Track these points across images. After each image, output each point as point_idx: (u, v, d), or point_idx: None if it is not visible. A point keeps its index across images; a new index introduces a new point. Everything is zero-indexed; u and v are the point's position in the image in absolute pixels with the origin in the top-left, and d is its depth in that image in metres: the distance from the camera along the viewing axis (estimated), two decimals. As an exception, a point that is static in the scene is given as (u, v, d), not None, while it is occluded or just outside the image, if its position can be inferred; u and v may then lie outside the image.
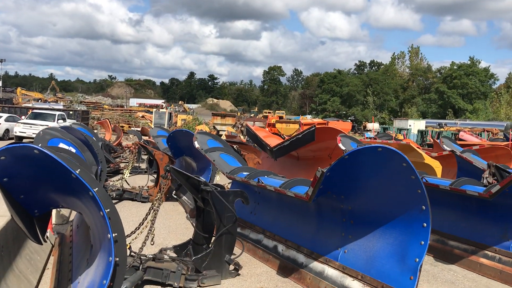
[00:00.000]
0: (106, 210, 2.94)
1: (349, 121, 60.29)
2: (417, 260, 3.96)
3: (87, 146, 7.27)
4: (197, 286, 4.84)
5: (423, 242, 3.98)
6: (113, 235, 2.97)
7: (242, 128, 36.56)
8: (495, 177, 6.97)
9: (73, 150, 6.17)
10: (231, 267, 5.28)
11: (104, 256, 3.17)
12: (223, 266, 5.18)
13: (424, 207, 3.96)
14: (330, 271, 4.83)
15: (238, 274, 5.31)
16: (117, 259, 3.01)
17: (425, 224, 3.97)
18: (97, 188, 2.94)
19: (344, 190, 4.73)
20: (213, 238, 5.27)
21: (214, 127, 40.08)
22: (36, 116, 25.62)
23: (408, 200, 4.05)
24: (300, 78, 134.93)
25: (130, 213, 8.15)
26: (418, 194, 3.95)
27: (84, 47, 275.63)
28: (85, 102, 72.48)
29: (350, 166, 4.26)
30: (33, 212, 3.66)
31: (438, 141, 12.37)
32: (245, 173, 6.50)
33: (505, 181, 5.26)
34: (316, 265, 5.04)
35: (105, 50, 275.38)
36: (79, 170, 2.90)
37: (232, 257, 5.26)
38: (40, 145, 3.25)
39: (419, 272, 3.93)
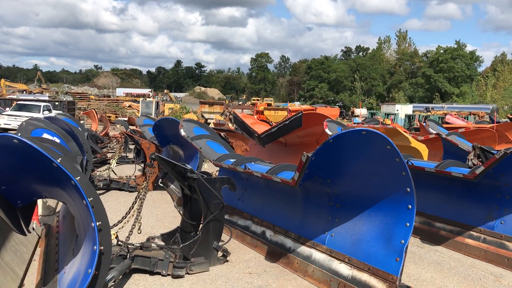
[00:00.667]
0: (89, 199, 2.91)
1: (337, 107, 60.46)
2: (403, 241, 4.00)
3: (72, 136, 7.19)
4: (186, 273, 4.85)
5: (408, 224, 4.01)
6: (97, 223, 2.95)
7: (230, 116, 36.45)
8: (480, 159, 7.04)
9: (57, 140, 6.09)
10: (220, 253, 5.29)
11: (88, 245, 3.15)
12: (211, 253, 5.19)
13: (408, 189, 3.99)
14: (317, 255, 4.86)
15: (227, 261, 5.32)
16: (102, 247, 2.99)
17: (410, 206, 4.00)
18: (79, 177, 2.91)
19: (330, 174, 4.74)
20: (201, 225, 5.27)
21: (202, 115, 39.92)
22: (20, 108, 25.29)
23: (393, 183, 4.07)
24: (287, 65, 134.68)
25: (117, 203, 8.11)
26: (402, 176, 3.97)
27: (68, 37, 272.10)
28: (71, 93, 71.58)
29: (335, 150, 4.27)
30: (16, 203, 3.62)
31: (424, 124, 12.46)
32: (232, 160, 6.49)
33: (489, 162, 5.32)
34: (304, 249, 5.07)
35: (89, 40, 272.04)
36: (60, 159, 2.86)
37: (220, 244, 5.27)
38: (20, 134, 3.20)
39: (404, 254, 3.97)
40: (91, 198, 2.94)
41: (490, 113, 37.29)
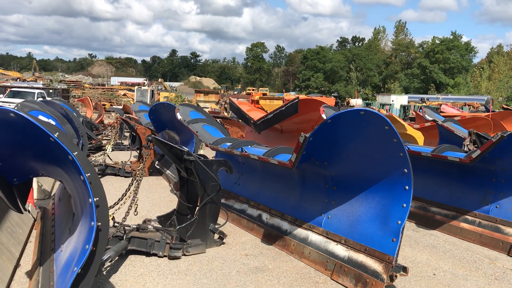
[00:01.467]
0: (86, 175, 2.88)
1: (333, 97, 60.40)
2: (399, 222, 4.01)
3: (67, 120, 7.15)
4: (182, 254, 4.85)
5: (405, 205, 4.02)
6: (95, 199, 2.93)
7: (226, 105, 36.33)
8: (476, 145, 7.08)
9: (53, 123, 6.05)
10: (216, 236, 5.29)
11: (86, 221, 3.13)
12: (208, 235, 5.19)
13: (406, 170, 3.99)
14: (314, 237, 4.87)
15: (223, 243, 5.33)
16: (99, 223, 2.97)
17: (407, 187, 4.01)
18: (76, 152, 2.88)
19: (327, 156, 4.74)
20: (197, 207, 5.26)
21: (197, 104, 39.77)
22: (14, 95, 25.11)
23: (390, 164, 4.07)
24: (283, 55, 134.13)
25: (113, 188, 8.09)
26: (400, 157, 3.97)
27: (62, 25, 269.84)
28: (65, 81, 71.08)
29: (333, 131, 4.26)
30: (12, 180, 3.59)
31: (420, 112, 12.48)
32: (228, 143, 6.47)
33: (485, 146, 5.33)
34: (300, 231, 5.08)
35: (84, 28, 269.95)
36: (57, 133, 2.83)
37: (217, 226, 5.27)
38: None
39: (401, 234, 3.98)
40: (89, 174, 2.91)
41: (485, 104, 37.42)
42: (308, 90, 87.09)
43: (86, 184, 2.90)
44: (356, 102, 49.16)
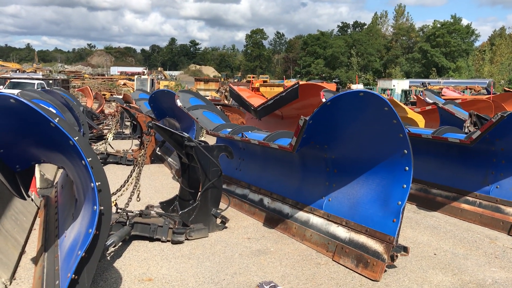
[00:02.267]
0: (88, 159, 2.91)
1: (334, 82, 60.20)
2: (400, 203, 4.04)
3: (68, 108, 7.16)
4: (185, 239, 4.89)
5: (405, 186, 4.05)
6: (97, 184, 2.96)
7: (226, 93, 36.27)
8: (477, 126, 7.07)
9: (53, 111, 6.06)
10: (218, 220, 5.34)
11: (88, 206, 3.16)
12: (210, 220, 5.23)
13: (406, 151, 4.01)
14: (315, 220, 4.91)
15: (225, 227, 5.37)
16: (102, 207, 3.01)
17: (407, 168, 4.03)
18: (77, 137, 2.90)
19: (327, 139, 4.75)
20: (199, 193, 5.29)
21: (197, 92, 39.66)
22: (14, 86, 25.08)
23: (390, 145, 4.09)
24: (283, 42, 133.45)
25: (115, 175, 8.13)
26: (400, 138, 3.99)
27: (60, 15, 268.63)
28: (64, 72, 70.90)
29: (333, 113, 4.27)
30: (15, 167, 3.62)
31: (421, 96, 12.46)
32: (228, 129, 6.49)
33: (485, 126, 5.34)
34: (301, 214, 5.12)
35: (81, 18, 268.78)
36: (57, 119, 2.85)
37: (219, 211, 5.31)
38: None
39: (401, 215, 4.01)
40: (90, 159, 2.93)
41: (486, 87, 37.29)
42: (309, 77, 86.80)
43: (88, 169, 2.93)
44: (357, 87, 49.00)
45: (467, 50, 79.88)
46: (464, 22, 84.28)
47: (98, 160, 3.06)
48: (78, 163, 3.10)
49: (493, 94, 16.15)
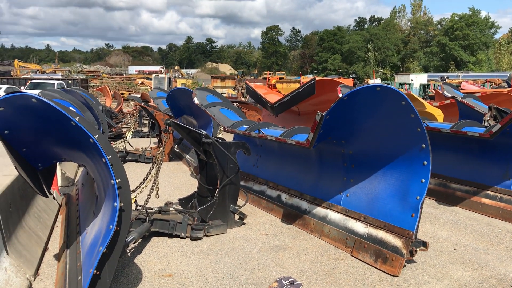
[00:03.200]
0: (108, 157, 2.96)
1: (351, 78, 59.77)
2: (418, 198, 4.01)
3: (87, 108, 7.28)
4: (204, 235, 4.94)
5: (423, 180, 4.02)
6: (117, 181, 3.01)
7: (243, 91, 36.33)
8: (497, 120, 6.96)
9: (74, 110, 6.17)
10: (236, 217, 5.37)
11: (109, 203, 3.22)
12: (228, 216, 5.27)
13: (424, 146, 3.98)
14: (333, 215, 4.91)
15: (244, 223, 5.41)
16: (122, 204, 3.06)
17: (425, 162, 4.00)
18: (97, 135, 2.96)
19: (345, 134, 4.74)
20: (217, 189, 5.33)
21: (214, 90, 39.79)
22: (35, 86, 25.56)
23: (408, 139, 4.06)
24: (299, 38, 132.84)
25: (134, 173, 8.23)
26: (417, 132, 3.96)
27: (77, 16, 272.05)
28: (83, 72, 71.85)
29: (350, 108, 4.26)
30: (37, 165, 3.70)
31: (439, 90, 12.29)
32: (245, 126, 6.51)
33: (505, 119, 5.26)
34: (319, 210, 5.12)
35: (99, 18, 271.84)
36: (78, 117, 2.91)
37: (237, 207, 5.34)
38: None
39: (420, 209, 3.99)
40: (110, 156, 2.99)
41: (507, 80, 36.56)
42: (326, 72, 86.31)
43: (108, 166, 2.98)
44: (375, 82, 48.57)
45: (486, 43, 78.44)
46: (483, 14, 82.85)
47: (118, 158, 3.11)
48: (99, 161, 3.16)
49: (514, 87, 15.85)
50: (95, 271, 2.96)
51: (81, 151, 3.44)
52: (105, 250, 2.99)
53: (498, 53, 77.44)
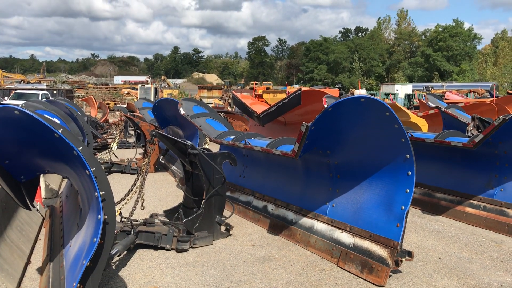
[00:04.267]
0: (92, 169, 2.93)
1: (337, 88, 60.29)
2: (403, 207, 4.04)
3: (72, 119, 7.21)
4: (190, 247, 4.91)
5: (408, 190, 4.05)
6: (101, 193, 2.98)
7: (229, 101, 36.36)
8: (479, 130, 7.07)
9: (57, 121, 6.11)
10: (222, 228, 5.35)
11: (93, 215, 3.19)
12: (214, 227, 5.25)
13: (408, 156, 4.02)
14: (319, 226, 4.92)
15: (230, 235, 5.38)
16: (106, 217, 3.03)
17: (409, 173, 4.04)
18: (81, 147, 2.93)
19: (330, 145, 4.77)
20: (203, 200, 5.31)
21: (200, 100, 39.77)
22: (19, 97, 25.28)
23: (392, 149, 4.10)
24: (285, 48, 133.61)
25: (119, 184, 8.17)
26: (402, 143, 4.00)
27: (62, 26, 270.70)
28: (68, 82, 71.29)
29: (334, 119, 4.29)
30: (20, 178, 3.65)
31: (423, 100, 12.46)
32: (231, 136, 6.52)
33: (487, 130, 5.34)
34: (306, 220, 5.13)
35: (84, 28, 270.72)
36: (61, 129, 2.88)
37: (223, 219, 5.32)
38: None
39: (405, 219, 4.01)
40: (94, 168, 2.96)
41: (489, 90, 37.20)
42: (312, 82, 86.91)
43: (92, 179, 2.95)
44: (360, 93, 49.01)
45: (469, 53, 79.92)
46: (466, 25, 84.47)
47: (102, 170, 3.08)
48: (82, 173, 3.13)
49: (496, 97, 16.11)
50: (78, 284, 2.91)
51: (64, 163, 3.41)
52: (89, 263, 2.94)
53: (482, 64, 78.84)
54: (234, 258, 4.68)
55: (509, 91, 27.12)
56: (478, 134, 5.63)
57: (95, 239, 2.96)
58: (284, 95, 35.33)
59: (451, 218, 6.09)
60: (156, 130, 5.45)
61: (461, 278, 4.16)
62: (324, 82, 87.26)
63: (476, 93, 37.64)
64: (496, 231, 5.51)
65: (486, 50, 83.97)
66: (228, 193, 6.50)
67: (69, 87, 53.42)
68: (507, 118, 5.04)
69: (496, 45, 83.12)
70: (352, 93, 56.09)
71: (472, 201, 5.97)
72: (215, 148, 8.18)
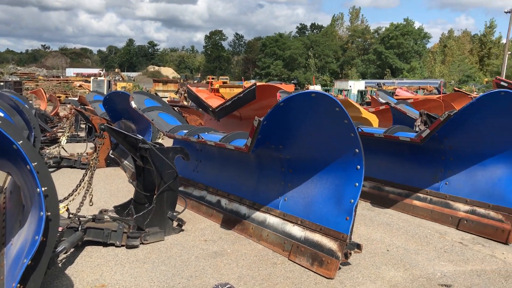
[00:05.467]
0: (33, 164, 2.81)
1: (292, 84, 60.84)
2: (352, 201, 4.12)
3: (18, 112, 6.91)
4: (140, 243, 4.81)
5: (357, 184, 4.13)
6: (43, 189, 2.86)
7: (185, 95, 35.94)
8: (427, 125, 7.31)
9: (1, 114, 5.83)
10: (175, 223, 5.28)
11: (35, 212, 3.05)
12: (166, 223, 5.17)
13: (357, 150, 4.09)
14: (271, 219, 4.94)
15: (182, 230, 5.32)
16: (49, 213, 2.91)
17: (358, 167, 4.12)
18: (21, 141, 2.80)
19: (282, 140, 4.79)
20: (155, 195, 5.22)
21: (155, 94, 39.11)
22: (-39, 88, 23.95)
23: (342, 144, 4.17)
24: (242, 43, 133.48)
25: (69, 179, 7.90)
26: (351, 137, 4.06)
27: (9, 15, 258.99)
28: (17, 74, 68.29)
29: (286, 114, 4.31)
30: (-44, 173, 3.45)
31: (374, 95, 12.77)
32: (185, 130, 6.43)
33: (434, 125, 5.52)
34: (258, 215, 5.14)
35: (33, 18, 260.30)
36: (0, 122, 2.74)
37: (175, 214, 5.25)
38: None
39: (354, 213, 4.09)
40: (35, 163, 2.84)
41: (437, 87, 38.60)
42: (268, 78, 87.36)
43: (33, 174, 2.83)
44: (315, 88, 49.69)
45: (419, 51, 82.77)
46: (417, 24, 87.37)
47: (45, 165, 2.96)
48: (23, 168, 2.99)
49: (443, 93, 16.73)
50: (18, 285, 2.79)
51: (5, 157, 3.24)
52: (30, 262, 2.82)
53: (431, 62, 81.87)
54: (186, 253, 4.63)
55: (456, 88, 28.26)
56: (425, 129, 5.81)
57: (36, 237, 2.84)
58: (240, 90, 35.30)
59: (399, 210, 6.28)
60: (105, 124, 5.31)
61: (408, 269, 4.30)
62: (281, 77, 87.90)
63: (425, 90, 38.93)
64: (441, 222, 5.73)
65: (435, 49, 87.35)
66: (181, 188, 6.43)
67: (18, 79, 51.12)
68: (452, 114, 5.23)
69: (444, 44, 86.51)
70: (307, 89, 56.77)
71: (419, 194, 6.17)
72: (169, 142, 8.06)
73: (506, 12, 45.15)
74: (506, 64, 47.84)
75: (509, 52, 50.15)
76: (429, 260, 4.55)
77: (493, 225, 5.20)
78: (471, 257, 4.63)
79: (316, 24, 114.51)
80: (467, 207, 5.55)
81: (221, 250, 4.73)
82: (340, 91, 43.26)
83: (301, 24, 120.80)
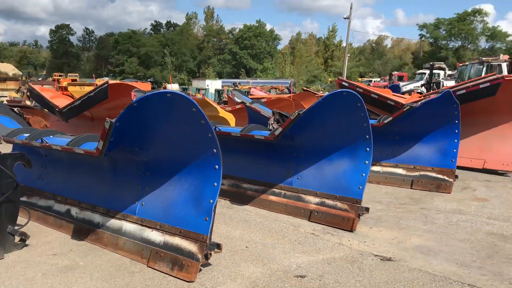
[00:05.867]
0: None
1: (149, 82, 59.53)
2: (211, 201, 4.10)
3: None
4: (-27, 265, 4.20)
5: (216, 184, 4.12)
6: None
7: (28, 93, 32.76)
8: (279, 123, 7.67)
9: None
10: (17, 238, 4.72)
11: None
12: (6, 239, 4.59)
13: (215, 150, 4.08)
14: (128, 226, 4.70)
15: (26, 245, 4.78)
16: None
17: (216, 166, 4.11)
18: None
19: (138, 142, 4.57)
20: (-9, 209, 4.59)
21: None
22: None
23: (200, 145, 4.12)
24: (92, 38, 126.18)
25: None
26: (208, 137, 4.04)
27: None
28: None
29: (141, 114, 4.11)
30: None
31: (230, 95, 13.07)
32: (26, 134, 5.79)
33: (285, 123, 5.80)
34: (114, 222, 4.85)
35: None
36: None
37: (17, 228, 4.70)
38: None
39: (213, 213, 4.08)
40: None
41: (288, 87, 41.10)
42: (123, 75, 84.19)
43: None
44: (172, 87, 49.26)
45: (271, 52, 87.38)
46: (268, 26, 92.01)
47: None
48: None
49: (293, 93, 17.82)
50: None
51: None
52: None
53: (282, 63, 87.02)
54: (31, 271, 4.16)
55: (304, 88, 30.36)
56: (278, 127, 6.07)
57: None
58: (92, 88, 33.33)
59: (257, 206, 6.48)
60: None
61: (266, 264, 4.43)
62: (136, 75, 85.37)
63: (277, 89, 41.16)
64: (294, 215, 6.04)
65: (285, 50, 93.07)
66: (24, 198, 5.80)
67: None
68: (301, 113, 5.54)
69: (293, 46, 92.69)
70: (165, 87, 56.00)
71: (274, 190, 6.44)
72: (7, 148, 7.21)
73: (345, 18, 49.55)
74: (346, 66, 52.78)
75: (349, 55, 55.59)
76: (285, 253, 4.75)
77: (340, 215, 5.64)
78: (322, 246, 4.96)
79: (172, 22, 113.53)
80: (317, 200, 5.94)
81: (72, 264, 4.35)
82: (198, 90, 43.52)
83: (156, 21, 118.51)
